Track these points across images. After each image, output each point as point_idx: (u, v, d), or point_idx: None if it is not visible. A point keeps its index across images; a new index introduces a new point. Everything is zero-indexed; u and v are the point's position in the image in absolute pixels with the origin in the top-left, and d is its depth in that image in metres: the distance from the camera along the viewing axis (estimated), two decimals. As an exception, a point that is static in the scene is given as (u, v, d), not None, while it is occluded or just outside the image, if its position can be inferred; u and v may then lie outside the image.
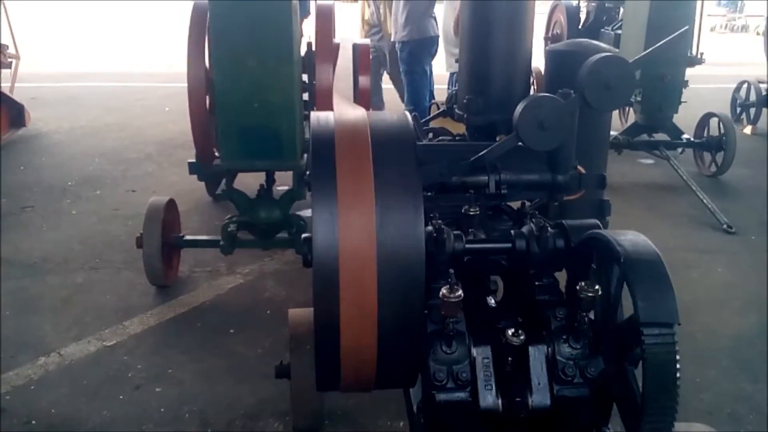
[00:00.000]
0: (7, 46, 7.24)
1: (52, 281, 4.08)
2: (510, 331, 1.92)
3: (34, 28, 14.30)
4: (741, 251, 4.61)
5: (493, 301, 2.28)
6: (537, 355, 1.94)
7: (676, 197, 5.58)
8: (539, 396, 1.92)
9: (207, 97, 3.80)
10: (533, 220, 2.13)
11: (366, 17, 7.30)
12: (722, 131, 5.95)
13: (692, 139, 6.10)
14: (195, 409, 2.94)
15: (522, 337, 1.91)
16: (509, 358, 1.94)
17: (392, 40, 6.96)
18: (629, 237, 1.83)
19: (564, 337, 1.93)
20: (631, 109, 6.56)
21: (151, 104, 8.77)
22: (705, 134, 6.16)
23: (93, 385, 3.10)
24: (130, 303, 3.83)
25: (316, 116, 1.93)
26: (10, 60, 7.32)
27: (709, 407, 2.96)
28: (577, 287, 1.84)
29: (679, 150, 6.14)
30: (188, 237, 4.09)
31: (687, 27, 5.10)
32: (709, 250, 4.64)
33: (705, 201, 5.19)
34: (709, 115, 6.18)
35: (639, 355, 1.67)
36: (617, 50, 5.14)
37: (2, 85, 6.99)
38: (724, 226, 4.92)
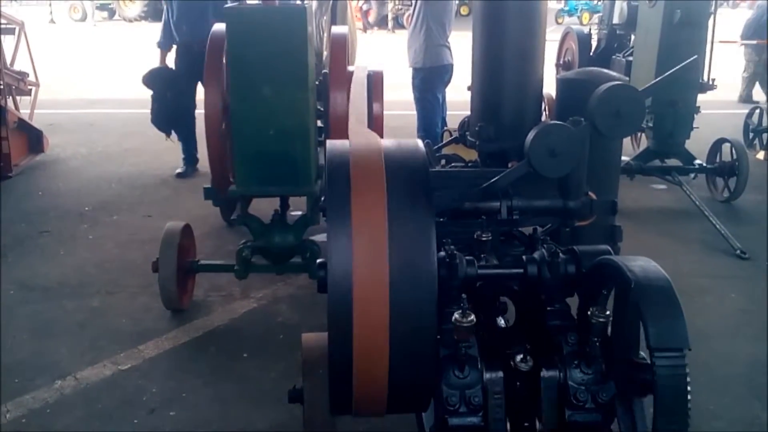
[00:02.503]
0: (27, 74, 7.37)
1: (68, 305, 4.12)
2: (518, 357, 1.94)
3: (52, 56, 14.51)
4: (755, 277, 4.58)
5: (503, 321, 2.30)
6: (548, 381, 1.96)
7: (689, 223, 5.56)
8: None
9: (223, 123, 3.87)
10: (545, 245, 2.15)
11: None
12: (735, 157, 5.94)
13: (705, 164, 6.10)
14: (209, 433, 2.96)
15: (530, 364, 1.93)
16: (518, 383, 1.96)
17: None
18: (640, 263, 1.85)
19: (575, 362, 1.95)
20: (643, 134, 6.57)
21: (168, 130, 8.84)
22: (717, 160, 6.15)
23: (108, 409, 3.13)
24: (145, 327, 3.86)
25: (332, 144, 1.98)
26: (30, 87, 7.45)
27: (723, 435, 2.95)
28: (589, 312, 1.86)
29: (692, 175, 6.14)
30: (203, 262, 4.14)
31: (696, 56, 5.14)
32: (723, 276, 4.62)
33: (718, 226, 5.17)
34: (721, 141, 6.18)
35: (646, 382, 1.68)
36: (627, 78, 5.19)
37: (22, 111, 7.12)
38: (738, 251, 4.90)
